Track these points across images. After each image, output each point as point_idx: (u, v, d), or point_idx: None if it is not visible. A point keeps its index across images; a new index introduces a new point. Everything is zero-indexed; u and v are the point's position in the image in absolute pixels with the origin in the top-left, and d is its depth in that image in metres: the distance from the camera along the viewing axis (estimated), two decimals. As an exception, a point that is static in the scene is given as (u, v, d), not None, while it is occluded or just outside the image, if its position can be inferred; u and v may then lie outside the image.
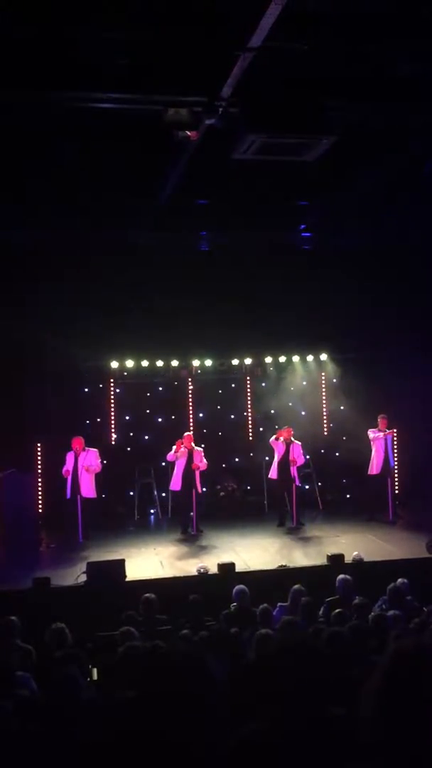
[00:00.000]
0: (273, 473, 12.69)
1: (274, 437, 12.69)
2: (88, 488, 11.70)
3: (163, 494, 14.01)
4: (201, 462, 12.13)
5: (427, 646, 1.67)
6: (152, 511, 14.11)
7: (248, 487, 14.64)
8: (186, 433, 12.44)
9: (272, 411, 14.72)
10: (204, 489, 12.74)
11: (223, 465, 14.39)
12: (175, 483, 12.21)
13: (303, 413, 14.92)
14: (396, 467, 13.32)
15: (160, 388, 14.80)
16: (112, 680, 5.44)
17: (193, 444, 12.16)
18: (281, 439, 12.52)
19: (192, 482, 12.08)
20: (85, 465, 11.63)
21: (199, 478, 12.25)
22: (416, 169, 9.94)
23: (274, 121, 7.06)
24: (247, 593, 8.12)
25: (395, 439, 13.29)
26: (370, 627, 6.68)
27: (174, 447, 12.11)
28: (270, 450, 12.91)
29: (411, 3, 6.29)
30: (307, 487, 14.11)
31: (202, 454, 12.23)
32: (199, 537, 12.02)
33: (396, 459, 13.26)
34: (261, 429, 14.90)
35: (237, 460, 15.03)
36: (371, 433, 12.70)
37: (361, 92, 7.34)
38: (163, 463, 12.76)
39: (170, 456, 12.22)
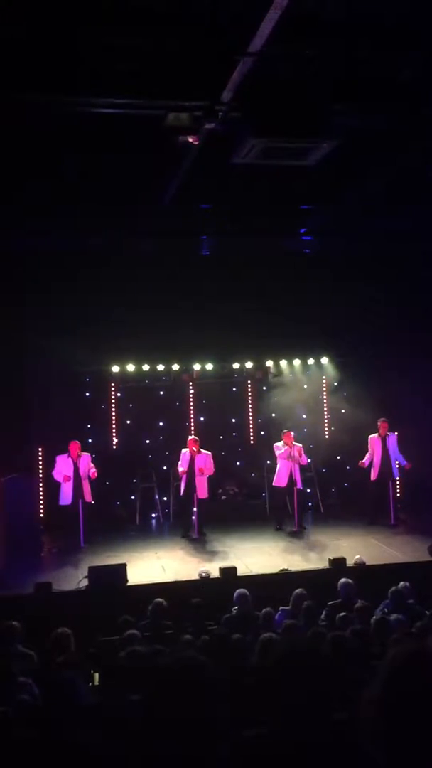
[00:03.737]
0: (282, 481, 12.43)
1: (281, 451, 12.39)
2: (89, 493, 11.72)
3: (164, 498, 14.00)
4: (204, 466, 11.99)
5: (426, 650, 1.66)
6: (154, 515, 14.10)
7: (250, 491, 14.62)
8: (190, 437, 12.40)
9: (273, 414, 14.71)
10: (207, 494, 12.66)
11: (224, 469, 14.36)
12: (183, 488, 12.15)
13: (304, 416, 14.92)
14: (398, 470, 13.26)
15: (162, 392, 14.80)
16: (113, 685, 5.43)
17: (195, 448, 12.07)
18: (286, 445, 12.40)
19: (194, 486, 12.00)
20: (87, 470, 11.65)
21: (203, 482, 12.09)
22: (417, 173, 9.94)
23: (275, 125, 7.04)
24: (249, 597, 8.11)
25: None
26: (372, 631, 6.67)
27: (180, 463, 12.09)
28: (272, 454, 12.83)
29: (414, 8, 6.30)
30: (308, 490, 14.07)
31: (209, 458, 12.10)
32: (201, 541, 11.99)
33: (398, 462, 13.19)
34: (262, 432, 14.90)
35: (239, 463, 15.02)
36: (370, 440, 12.67)
37: (363, 96, 7.34)
38: (164, 467, 12.72)
39: (182, 480, 12.17)
